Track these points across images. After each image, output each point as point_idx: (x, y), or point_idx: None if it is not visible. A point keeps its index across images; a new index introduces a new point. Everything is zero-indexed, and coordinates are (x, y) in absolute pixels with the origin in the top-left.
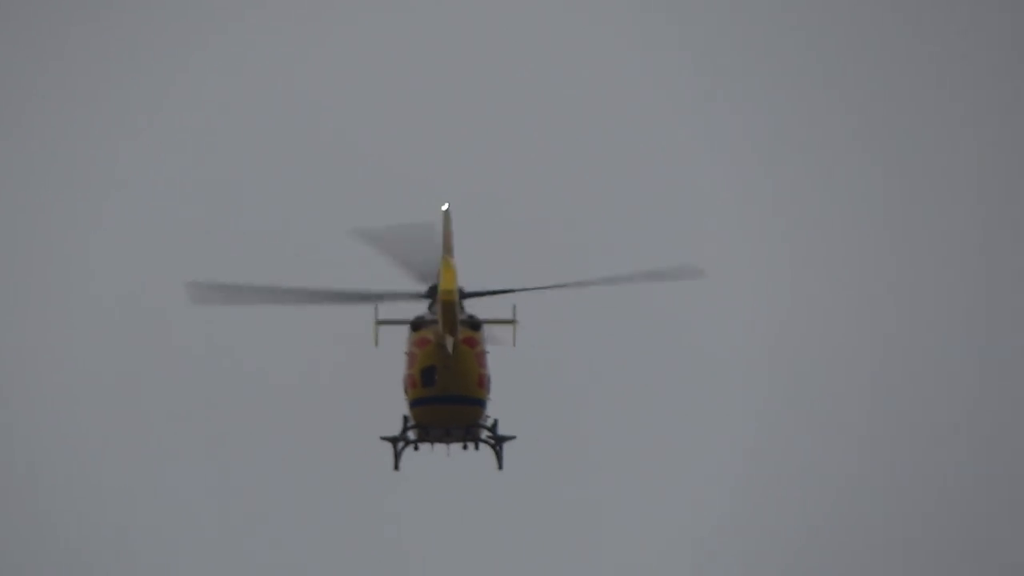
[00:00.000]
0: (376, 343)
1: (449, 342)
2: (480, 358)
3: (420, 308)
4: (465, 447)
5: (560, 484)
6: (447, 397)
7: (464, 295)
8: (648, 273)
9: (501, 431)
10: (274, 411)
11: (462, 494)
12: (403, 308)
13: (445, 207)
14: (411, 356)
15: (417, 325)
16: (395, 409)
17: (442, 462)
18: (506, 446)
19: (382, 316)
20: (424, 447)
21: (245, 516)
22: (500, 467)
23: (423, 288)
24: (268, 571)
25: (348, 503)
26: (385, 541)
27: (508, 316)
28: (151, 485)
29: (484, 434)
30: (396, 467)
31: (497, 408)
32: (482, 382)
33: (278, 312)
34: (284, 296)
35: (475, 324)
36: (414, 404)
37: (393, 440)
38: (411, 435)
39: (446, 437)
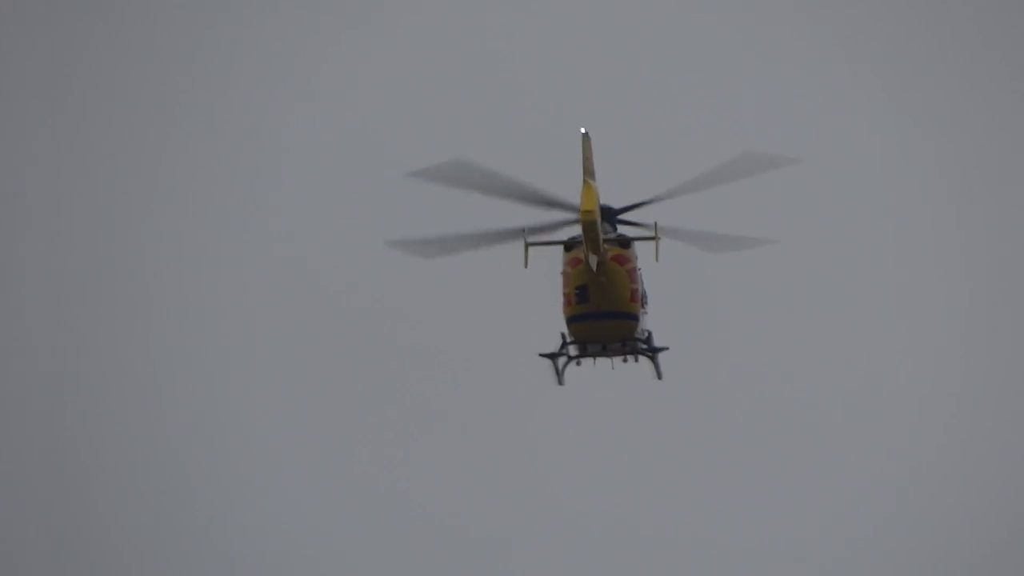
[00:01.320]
0: (526, 264)
1: (593, 260)
2: (632, 274)
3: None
4: (625, 360)
5: (717, 393)
6: (601, 313)
7: (615, 214)
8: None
9: (655, 343)
10: (438, 336)
11: (627, 405)
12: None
13: (583, 131)
14: (565, 276)
15: (569, 246)
16: (555, 328)
17: (604, 374)
18: (662, 356)
19: (533, 239)
20: (585, 363)
21: (415, 435)
22: (659, 376)
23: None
24: (437, 485)
25: (515, 419)
26: (554, 455)
27: (650, 233)
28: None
29: (641, 346)
30: (559, 382)
31: (651, 322)
32: (634, 297)
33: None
34: (456, 244)
35: (624, 242)
36: (570, 321)
37: (552, 356)
38: (570, 351)
39: (603, 352)
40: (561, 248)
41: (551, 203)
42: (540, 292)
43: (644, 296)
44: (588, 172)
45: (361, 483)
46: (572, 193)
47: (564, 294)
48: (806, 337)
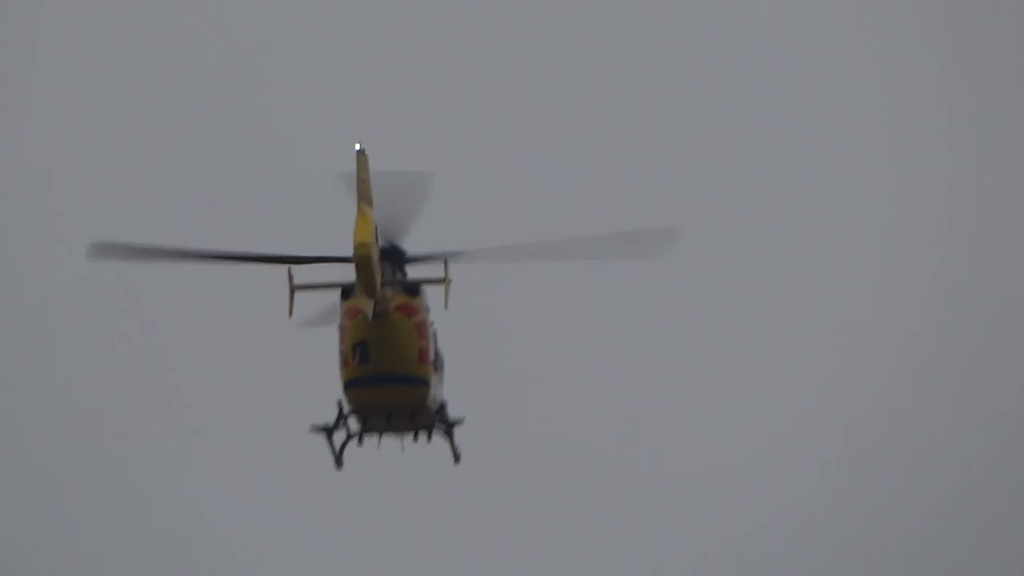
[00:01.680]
0: (291, 313)
1: (369, 307)
2: (420, 328)
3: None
4: (416, 437)
5: (526, 474)
6: (383, 376)
7: (403, 257)
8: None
9: (450, 414)
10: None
11: (415, 495)
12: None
13: (359, 147)
14: (342, 330)
15: (347, 292)
16: (328, 396)
17: (389, 457)
18: (457, 431)
19: (307, 281)
20: (369, 441)
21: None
22: (456, 459)
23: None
24: None
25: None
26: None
27: (440, 275)
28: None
29: (434, 420)
30: (338, 464)
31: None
32: (423, 357)
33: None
34: (195, 256)
35: (411, 288)
36: (347, 386)
37: (327, 431)
38: (350, 425)
39: (389, 426)
40: (338, 296)
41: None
42: (313, 349)
43: (438, 357)
44: (364, 196)
45: None
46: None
47: (340, 352)
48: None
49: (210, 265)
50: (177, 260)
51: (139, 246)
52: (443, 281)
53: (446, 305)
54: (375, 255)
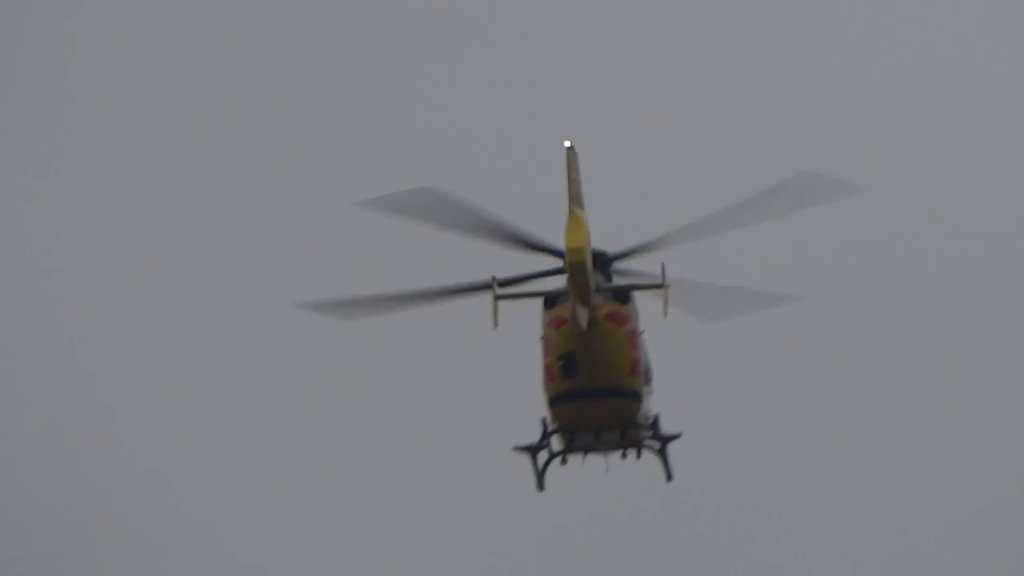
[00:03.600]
0: (496, 324)
1: (583, 315)
2: (631, 338)
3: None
4: (624, 455)
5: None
6: (592, 390)
7: (609, 260)
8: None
9: (663, 429)
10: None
11: (625, 516)
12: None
13: (568, 145)
14: (547, 341)
15: (551, 301)
16: (532, 412)
17: (597, 476)
18: (671, 448)
19: (507, 291)
20: (573, 458)
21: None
22: (669, 477)
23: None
24: None
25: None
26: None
27: (656, 280)
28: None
29: (645, 436)
30: (540, 486)
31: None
32: (635, 369)
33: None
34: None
35: (622, 295)
36: (553, 402)
37: (531, 450)
38: (554, 443)
39: (597, 443)
40: (541, 304)
41: (526, 242)
42: (516, 361)
43: (648, 368)
44: (575, 198)
45: None
46: (551, 234)
47: (545, 366)
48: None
49: (422, 304)
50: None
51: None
52: (659, 287)
53: (665, 313)
54: (589, 260)
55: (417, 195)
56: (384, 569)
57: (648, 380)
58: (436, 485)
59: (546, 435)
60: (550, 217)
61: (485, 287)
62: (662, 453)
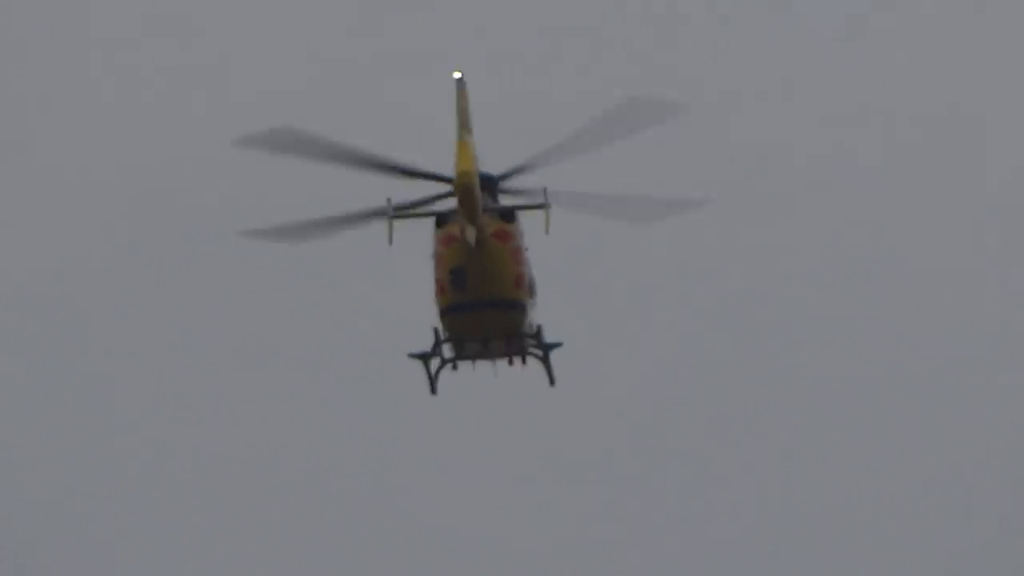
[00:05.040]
0: (391, 242)
1: (471, 234)
2: (516, 254)
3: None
4: (511, 362)
5: (623, 400)
6: (480, 302)
7: (496, 182)
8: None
9: (546, 338)
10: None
11: (510, 417)
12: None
13: (458, 76)
14: (438, 257)
15: (442, 220)
16: (425, 323)
17: (485, 381)
18: (554, 356)
19: (399, 212)
20: (463, 365)
21: (263, 447)
22: (552, 382)
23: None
24: (293, 514)
25: (381, 434)
26: (425, 475)
27: (539, 200)
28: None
29: (529, 344)
30: (432, 390)
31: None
32: (520, 282)
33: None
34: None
35: (507, 214)
36: (444, 313)
37: (424, 357)
38: (446, 351)
39: (485, 351)
40: (432, 224)
41: (414, 173)
42: (410, 276)
43: (532, 282)
44: (464, 125)
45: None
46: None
47: (436, 280)
48: (732, 327)
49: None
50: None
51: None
52: (542, 207)
53: (547, 230)
54: (477, 183)
55: (284, 134)
56: (280, 466)
57: (532, 293)
58: (338, 390)
59: (438, 343)
60: (440, 146)
61: (381, 212)
62: (545, 361)
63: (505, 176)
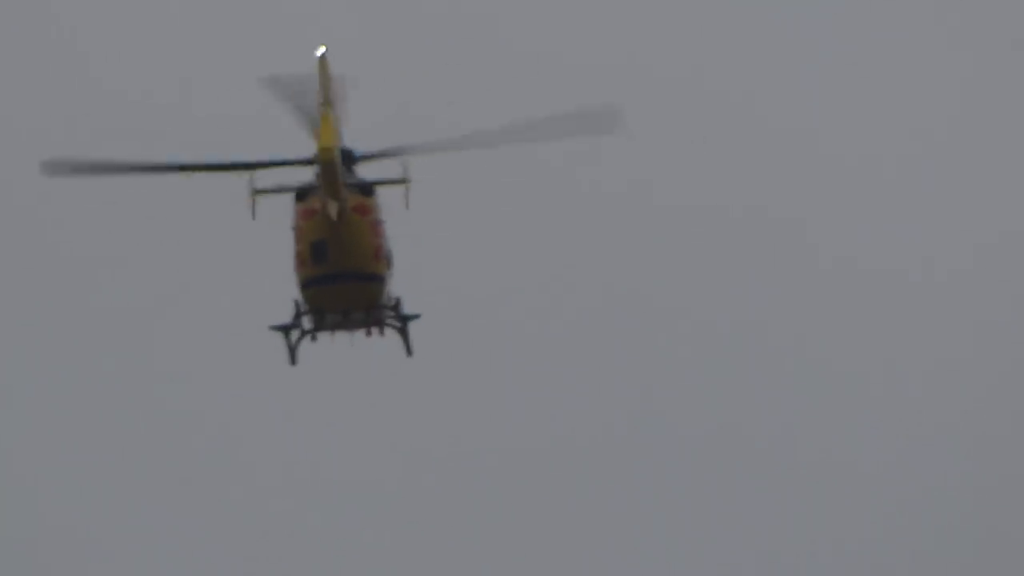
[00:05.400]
0: (253, 216)
1: (332, 208)
2: (376, 228)
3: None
4: (369, 333)
5: (480, 369)
6: (341, 274)
7: (354, 158)
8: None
9: (404, 310)
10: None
11: (369, 386)
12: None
13: (321, 51)
14: (298, 231)
15: (302, 194)
16: (285, 296)
17: (343, 351)
18: (412, 327)
19: (262, 185)
20: (322, 336)
21: (135, 433)
22: (409, 352)
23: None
24: (163, 486)
25: (243, 405)
26: (287, 446)
27: (398, 175)
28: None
29: (388, 316)
30: (292, 361)
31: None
32: (379, 255)
33: (139, 185)
34: (148, 168)
35: (367, 188)
36: (305, 286)
37: (285, 329)
38: (305, 323)
39: (345, 322)
40: (292, 198)
41: (273, 163)
42: (271, 249)
43: (390, 255)
44: (326, 100)
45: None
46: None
47: (296, 253)
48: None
49: (166, 175)
50: (132, 173)
51: (93, 162)
52: (401, 182)
53: (407, 205)
54: (339, 159)
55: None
56: (149, 433)
57: (390, 265)
58: (203, 363)
59: (298, 315)
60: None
61: (243, 184)
62: (403, 332)
63: (368, 156)
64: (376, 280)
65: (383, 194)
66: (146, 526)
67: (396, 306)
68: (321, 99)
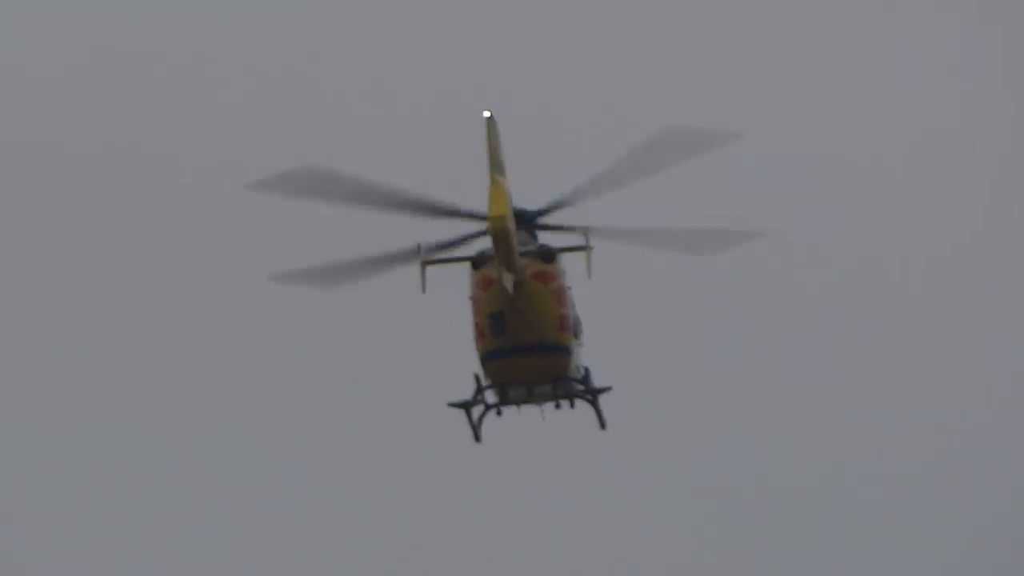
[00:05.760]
0: (424, 289)
1: (508, 280)
2: (559, 295)
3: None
4: (557, 406)
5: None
6: (522, 347)
7: (532, 218)
8: None
9: (594, 382)
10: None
11: (562, 462)
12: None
13: (488, 114)
14: (476, 301)
15: (478, 263)
16: (465, 370)
17: (531, 427)
18: (603, 399)
19: (431, 256)
20: (508, 411)
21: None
22: (602, 425)
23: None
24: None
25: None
26: (473, 527)
27: (579, 242)
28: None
29: (576, 388)
30: (476, 438)
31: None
32: (564, 324)
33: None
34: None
35: (547, 254)
36: (485, 359)
37: (465, 405)
38: (488, 398)
39: (530, 397)
40: (468, 267)
41: (445, 211)
42: (447, 323)
43: (577, 323)
44: (495, 166)
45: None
46: (474, 200)
47: (475, 325)
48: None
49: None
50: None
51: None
52: (583, 249)
53: (589, 274)
54: (512, 227)
55: (310, 174)
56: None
57: (577, 334)
58: (380, 444)
59: (480, 390)
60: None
61: (412, 255)
62: (594, 404)
63: (543, 212)
64: (560, 351)
65: (567, 257)
66: None
67: (585, 378)
68: (490, 164)
